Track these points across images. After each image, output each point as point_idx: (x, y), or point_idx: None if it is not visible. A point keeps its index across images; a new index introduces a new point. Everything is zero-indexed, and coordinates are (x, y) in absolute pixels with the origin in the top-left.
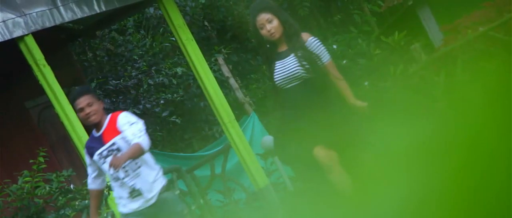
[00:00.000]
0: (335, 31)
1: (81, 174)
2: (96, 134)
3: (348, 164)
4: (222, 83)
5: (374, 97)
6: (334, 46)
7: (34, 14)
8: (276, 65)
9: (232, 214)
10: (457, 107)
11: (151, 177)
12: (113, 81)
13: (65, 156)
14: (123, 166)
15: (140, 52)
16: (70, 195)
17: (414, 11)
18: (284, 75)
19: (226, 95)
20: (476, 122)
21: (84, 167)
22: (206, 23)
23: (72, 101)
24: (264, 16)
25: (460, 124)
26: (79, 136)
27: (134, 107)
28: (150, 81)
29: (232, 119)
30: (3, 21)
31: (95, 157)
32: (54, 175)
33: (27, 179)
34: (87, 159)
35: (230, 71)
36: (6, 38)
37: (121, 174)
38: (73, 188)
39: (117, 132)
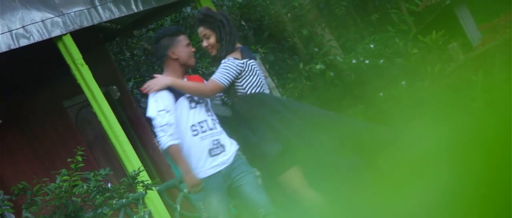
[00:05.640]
0: (372, 30)
1: (118, 173)
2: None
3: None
4: None
5: (411, 97)
6: (371, 46)
7: (72, 13)
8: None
9: None
10: (495, 107)
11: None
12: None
13: (102, 155)
14: (211, 115)
15: None
16: (107, 194)
17: (452, 10)
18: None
19: None
20: None
21: (121, 166)
22: (243, 22)
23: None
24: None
25: (497, 123)
26: (117, 135)
27: None
28: None
29: None
30: (42, 21)
31: (183, 98)
32: (92, 173)
33: (65, 177)
34: (168, 103)
35: (267, 71)
36: (45, 38)
37: (210, 123)
38: (111, 187)
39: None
